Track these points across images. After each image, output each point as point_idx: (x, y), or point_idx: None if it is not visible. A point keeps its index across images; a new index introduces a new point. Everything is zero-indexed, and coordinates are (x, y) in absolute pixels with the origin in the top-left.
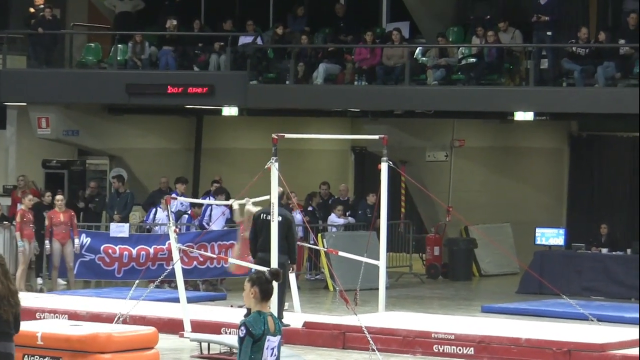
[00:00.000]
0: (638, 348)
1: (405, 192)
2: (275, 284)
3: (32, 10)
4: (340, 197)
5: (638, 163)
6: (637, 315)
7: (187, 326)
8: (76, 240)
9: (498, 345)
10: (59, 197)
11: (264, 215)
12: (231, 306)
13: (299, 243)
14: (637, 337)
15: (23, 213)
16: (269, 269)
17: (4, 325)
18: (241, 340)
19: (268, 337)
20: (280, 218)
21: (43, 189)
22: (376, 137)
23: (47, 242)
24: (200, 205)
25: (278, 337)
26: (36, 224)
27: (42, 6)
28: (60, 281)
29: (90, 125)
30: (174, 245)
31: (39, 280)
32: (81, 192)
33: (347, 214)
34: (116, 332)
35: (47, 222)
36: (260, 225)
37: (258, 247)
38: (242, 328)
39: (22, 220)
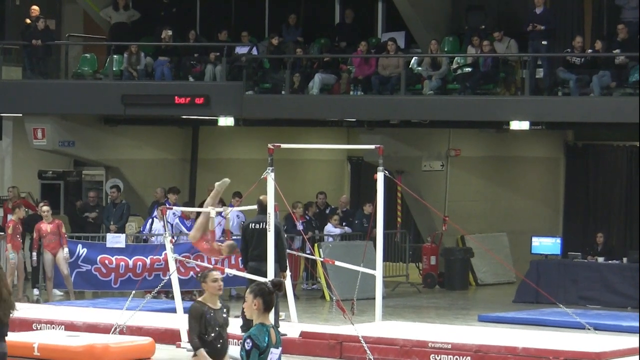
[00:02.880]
0: (638, 357)
1: (401, 202)
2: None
3: (28, 21)
4: (341, 208)
5: (638, 172)
6: (634, 324)
7: (184, 336)
8: (65, 249)
9: (495, 355)
10: (45, 207)
11: (253, 224)
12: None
13: (294, 252)
14: (634, 346)
15: (15, 225)
16: (270, 279)
17: (4, 328)
18: (247, 353)
19: (271, 349)
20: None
21: (39, 200)
22: (372, 147)
23: (34, 254)
24: None
25: (279, 349)
26: (31, 235)
27: (39, 16)
28: (57, 292)
29: (86, 136)
30: (171, 255)
31: (35, 291)
32: (79, 202)
33: (343, 223)
34: (113, 343)
35: (35, 234)
36: (249, 235)
37: (249, 257)
38: (248, 341)
39: (14, 232)
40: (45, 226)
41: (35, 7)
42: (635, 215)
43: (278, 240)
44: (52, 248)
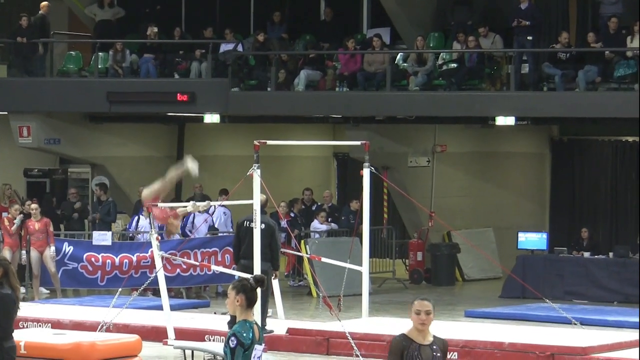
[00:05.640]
0: (638, 350)
1: (387, 198)
2: (259, 291)
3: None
4: (325, 204)
5: (638, 167)
6: (620, 319)
7: (171, 334)
8: (52, 247)
9: (481, 350)
10: (33, 205)
11: (247, 222)
12: (214, 313)
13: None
14: (620, 341)
15: (10, 221)
16: (252, 275)
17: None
18: (232, 350)
19: (255, 345)
20: (263, 225)
21: (25, 198)
22: (358, 143)
23: (23, 252)
24: None
25: (263, 345)
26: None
27: (40, 12)
28: (43, 290)
29: (72, 134)
30: (157, 253)
31: (22, 290)
32: (54, 200)
33: (330, 220)
34: (99, 341)
35: (23, 232)
36: (243, 232)
37: (241, 255)
38: (233, 338)
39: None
40: (34, 224)
41: (45, 3)
42: (635, 210)
43: (272, 240)
44: (39, 246)
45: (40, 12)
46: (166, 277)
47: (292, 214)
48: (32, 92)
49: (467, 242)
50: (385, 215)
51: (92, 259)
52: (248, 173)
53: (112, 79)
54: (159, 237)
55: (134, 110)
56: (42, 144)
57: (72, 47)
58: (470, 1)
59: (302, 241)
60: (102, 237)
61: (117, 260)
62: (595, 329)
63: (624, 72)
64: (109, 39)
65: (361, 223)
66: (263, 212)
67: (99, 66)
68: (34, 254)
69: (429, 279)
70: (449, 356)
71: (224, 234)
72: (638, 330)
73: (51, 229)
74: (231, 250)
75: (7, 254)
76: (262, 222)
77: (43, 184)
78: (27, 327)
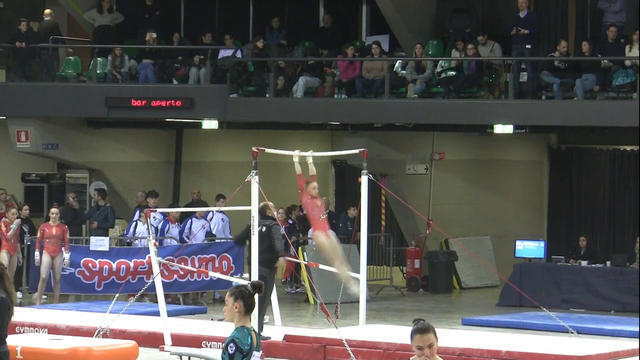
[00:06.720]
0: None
1: (385, 205)
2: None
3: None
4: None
5: (636, 176)
6: (617, 328)
7: (168, 340)
8: (65, 255)
9: (478, 358)
10: (53, 210)
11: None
12: (211, 319)
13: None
14: (617, 350)
15: (8, 225)
16: (250, 282)
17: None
18: (230, 357)
19: (253, 352)
20: (264, 228)
21: (22, 203)
22: (356, 150)
23: (37, 253)
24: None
25: (260, 352)
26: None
27: (47, 18)
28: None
29: (70, 139)
30: (154, 258)
31: (19, 294)
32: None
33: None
34: (96, 346)
35: (38, 234)
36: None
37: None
38: (232, 345)
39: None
40: (51, 229)
41: (49, 10)
42: (633, 219)
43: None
44: (52, 251)
45: (47, 18)
46: (163, 283)
47: (290, 221)
48: (30, 96)
49: (465, 250)
50: (383, 223)
51: (90, 265)
52: (246, 179)
53: (111, 84)
54: (157, 243)
55: (133, 116)
56: (40, 149)
57: (71, 52)
58: (469, 9)
59: (300, 248)
60: (99, 243)
61: (114, 265)
62: (592, 337)
63: (622, 81)
64: (108, 44)
65: (359, 230)
66: (266, 216)
67: (98, 71)
68: (46, 257)
69: (426, 287)
70: None
71: (222, 241)
72: (638, 339)
73: (67, 236)
74: (228, 256)
75: (4, 257)
76: (264, 226)
77: (41, 189)
78: (23, 332)
